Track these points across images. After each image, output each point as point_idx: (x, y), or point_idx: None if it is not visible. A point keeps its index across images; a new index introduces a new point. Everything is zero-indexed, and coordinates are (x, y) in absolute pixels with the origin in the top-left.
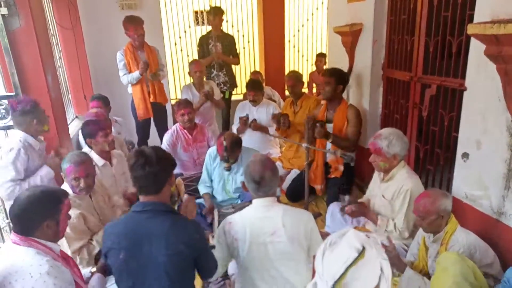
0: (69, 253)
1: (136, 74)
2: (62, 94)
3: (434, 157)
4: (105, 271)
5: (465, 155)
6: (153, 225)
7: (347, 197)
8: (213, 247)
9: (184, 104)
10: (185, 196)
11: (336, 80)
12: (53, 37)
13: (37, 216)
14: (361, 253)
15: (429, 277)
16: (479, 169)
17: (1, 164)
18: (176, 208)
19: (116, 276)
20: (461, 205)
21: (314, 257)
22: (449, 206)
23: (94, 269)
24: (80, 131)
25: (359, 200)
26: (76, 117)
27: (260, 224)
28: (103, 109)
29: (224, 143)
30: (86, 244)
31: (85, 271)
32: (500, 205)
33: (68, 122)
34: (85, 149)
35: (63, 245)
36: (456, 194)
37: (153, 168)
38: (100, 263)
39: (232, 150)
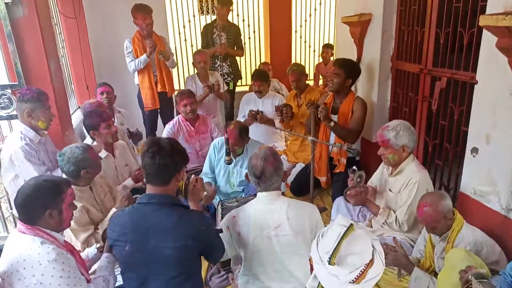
0: (78, 246)
1: (143, 57)
2: (65, 84)
3: (443, 151)
4: None
5: (475, 150)
6: (160, 218)
7: (358, 173)
8: (221, 231)
9: (187, 94)
10: (192, 176)
11: (345, 72)
12: (56, 27)
13: (39, 205)
14: (349, 227)
15: (436, 275)
16: (488, 165)
17: (18, 164)
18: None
19: (122, 268)
20: (469, 201)
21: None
22: (450, 205)
23: (99, 245)
24: (83, 123)
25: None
26: (79, 107)
27: (264, 217)
28: (112, 94)
29: (226, 135)
30: (92, 234)
31: (91, 249)
32: (508, 201)
33: (71, 113)
34: (88, 139)
35: (71, 239)
36: (464, 189)
37: (164, 160)
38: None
39: (240, 138)
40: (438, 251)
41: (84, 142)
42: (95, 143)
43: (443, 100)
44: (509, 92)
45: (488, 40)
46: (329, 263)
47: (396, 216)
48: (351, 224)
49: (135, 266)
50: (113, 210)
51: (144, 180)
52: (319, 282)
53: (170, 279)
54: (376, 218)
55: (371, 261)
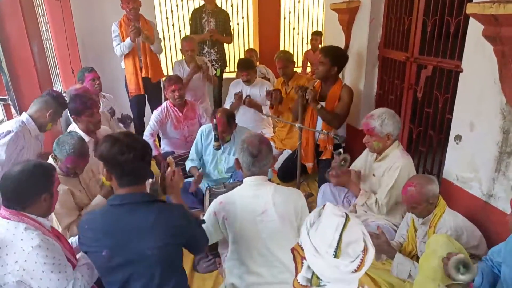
0: (60, 230)
1: (127, 41)
2: (49, 68)
3: (427, 138)
4: None
5: (458, 137)
6: (137, 219)
7: (343, 155)
8: (203, 221)
9: (174, 79)
10: (168, 170)
11: (331, 60)
12: (39, 8)
13: (34, 190)
14: (347, 217)
15: (418, 259)
16: (471, 152)
17: None
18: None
19: (101, 273)
20: (452, 187)
21: (293, 250)
22: (436, 191)
23: None
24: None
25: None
26: (64, 92)
27: (250, 203)
28: (98, 80)
29: (215, 121)
30: (76, 220)
31: (75, 239)
32: (490, 187)
33: None
34: (73, 125)
35: (53, 222)
36: (447, 176)
37: (136, 165)
38: None
39: (228, 124)
40: (420, 235)
41: (69, 127)
42: (77, 128)
43: (428, 88)
44: (494, 80)
45: (475, 29)
46: (334, 256)
47: (376, 198)
48: (347, 214)
49: (115, 270)
50: (99, 197)
51: (116, 184)
52: (313, 272)
53: (153, 278)
54: (357, 199)
55: (366, 248)
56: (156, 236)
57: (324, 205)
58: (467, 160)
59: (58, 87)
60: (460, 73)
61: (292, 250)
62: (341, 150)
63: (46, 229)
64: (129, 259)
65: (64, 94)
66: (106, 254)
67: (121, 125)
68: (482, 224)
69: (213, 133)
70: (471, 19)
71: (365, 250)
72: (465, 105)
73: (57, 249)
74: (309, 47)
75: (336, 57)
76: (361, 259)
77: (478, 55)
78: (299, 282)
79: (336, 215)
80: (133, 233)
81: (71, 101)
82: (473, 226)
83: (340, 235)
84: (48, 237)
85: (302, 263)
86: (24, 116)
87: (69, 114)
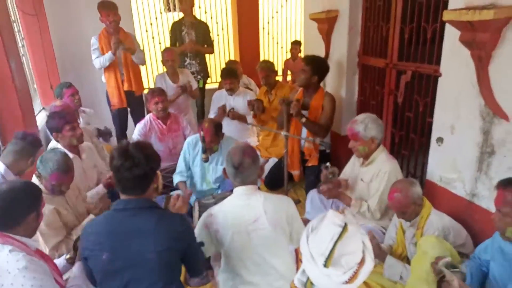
0: (46, 251)
1: (108, 54)
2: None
3: (409, 142)
4: None
5: (440, 140)
6: (139, 222)
7: (328, 164)
8: (202, 243)
9: (157, 92)
10: (173, 196)
11: (312, 69)
12: (14, 24)
13: (24, 209)
14: (344, 227)
15: (408, 260)
16: (453, 153)
17: None
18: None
19: (99, 278)
20: (436, 188)
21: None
22: (420, 192)
23: (68, 256)
24: (46, 124)
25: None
26: (43, 108)
27: (241, 213)
28: (78, 95)
29: (202, 133)
30: (64, 240)
31: (60, 260)
32: (473, 187)
33: (35, 114)
34: (53, 142)
35: (40, 243)
36: (431, 177)
37: (141, 170)
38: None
39: (216, 134)
40: (409, 237)
41: (49, 144)
42: (59, 145)
43: (408, 92)
44: (472, 84)
45: (451, 34)
46: (324, 266)
47: (368, 205)
48: (346, 224)
49: (115, 275)
50: (90, 216)
51: (119, 191)
52: (308, 277)
53: (152, 284)
54: (349, 209)
55: (363, 260)
56: (157, 240)
57: (328, 212)
58: (449, 161)
59: (37, 104)
60: (439, 78)
61: (296, 250)
62: (328, 164)
63: (31, 250)
64: (129, 263)
65: (43, 111)
66: (107, 258)
67: (101, 139)
68: (467, 222)
69: (200, 144)
70: (447, 25)
71: (361, 263)
72: (445, 108)
73: (45, 270)
74: (289, 56)
75: (317, 66)
76: (354, 271)
77: (455, 60)
78: (295, 284)
79: (334, 224)
80: (134, 236)
81: (49, 119)
82: (459, 225)
83: (334, 245)
84: (34, 257)
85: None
86: (2, 167)
87: (49, 132)
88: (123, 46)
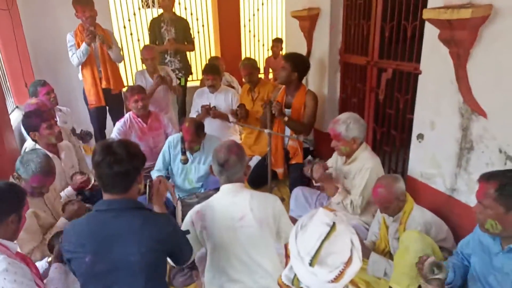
0: None
1: (83, 46)
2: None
3: (391, 138)
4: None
5: (420, 136)
6: (122, 224)
7: (314, 161)
8: (188, 232)
9: (137, 89)
10: (155, 179)
11: (291, 66)
12: None
13: (4, 209)
14: (332, 227)
15: (390, 255)
16: (433, 149)
17: None
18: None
19: (82, 281)
20: (417, 184)
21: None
22: (403, 187)
23: (50, 259)
24: (22, 123)
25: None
26: (17, 107)
27: (228, 210)
28: (53, 93)
29: (181, 134)
30: (38, 245)
31: (42, 263)
32: (452, 182)
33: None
34: (29, 142)
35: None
36: (411, 173)
37: (122, 167)
38: (56, 250)
39: (196, 134)
40: (392, 232)
41: (25, 144)
42: (37, 145)
43: (389, 90)
44: (451, 81)
45: (431, 32)
46: (310, 265)
47: (351, 199)
48: (334, 224)
49: (98, 278)
50: (62, 219)
51: (101, 189)
52: (295, 274)
53: (136, 287)
54: (334, 197)
55: (350, 259)
56: (141, 242)
57: (318, 210)
58: (430, 157)
59: (10, 103)
60: (419, 75)
61: (285, 245)
62: (310, 157)
63: (11, 253)
64: (112, 266)
65: (17, 109)
66: (89, 260)
67: (80, 141)
68: (447, 217)
69: (180, 146)
70: (427, 23)
71: (348, 262)
72: (425, 105)
73: (26, 273)
74: (270, 53)
75: (297, 63)
76: (340, 271)
77: (435, 57)
78: (282, 280)
79: (323, 223)
80: (117, 238)
81: (24, 118)
82: (440, 221)
83: (321, 245)
84: (16, 260)
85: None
86: None
87: (25, 132)
88: (99, 37)
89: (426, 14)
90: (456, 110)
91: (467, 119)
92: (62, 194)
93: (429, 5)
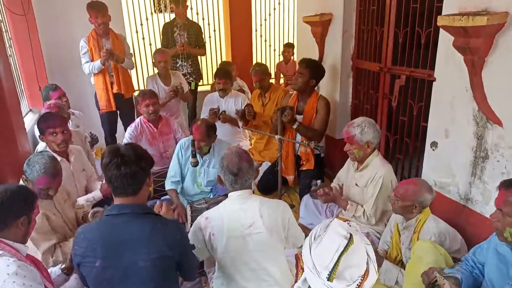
0: (38, 256)
1: (97, 63)
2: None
3: (404, 146)
4: None
5: (434, 144)
6: (133, 229)
7: (319, 181)
8: (194, 247)
9: (148, 94)
10: (156, 204)
11: (310, 73)
12: (1, 23)
13: (13, 211)
14: (350, 239)
15: (402, 264)
16: (447, 157)
17: None
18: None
19: (92, 286)
20: None
21: (297, 255)
22: (427, 201)
23: (64, 266)
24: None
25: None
26: (31, 110)
27: (237, 217)
28: (65, 97)
29: (191, 137)
30: (58, 244)
31: (55, 269)
32: (467, 191)
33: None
34: (41, 144)
35: (31, 249)
36: None
37: (130, 169)
38: (69, 256)
39: (207, 135)
40: (405, 241)
41: (37, 146)
42: (47, 147)
43: (402, 97)
44: (465, 88)
45: (445, 39)
46: (328, 279)
47: (364, 210)
48: (351, 236)
49: (108, 283)
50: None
51: (112, 193)
52: (309, 286)
53: None
54: (345, 212)
55: (367, 272)
56: (150, 248)
57: (333, 220)
58: (443, 165)
59: (24, 106)
60: (433, 82)
61: (296, 256)
62: (318, 181)
63: (21, 256)
64: (123, 271)
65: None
66: (100, 265)
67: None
68: (461, 227)
69: (191, 148)
70: (441, 30)
71: (365, 275)
72: (439, 113)
73: (35, 276)
74: (281, 58)
75: (316, 71)
76: (358, 284)
77: (449, 65)
78: None
79: (339, 235)
80: (127, 244)
81: (38, 120)
82: (455, 231)
83: (338, 259)
84: (26, 263)
85: (303, 271)
86: None
87: (36, 133)
88: (114, 58)
89: (440, 21)
90: (471, 118)
91: (482, 128)
92: (90, 196)
93: (444, 12)
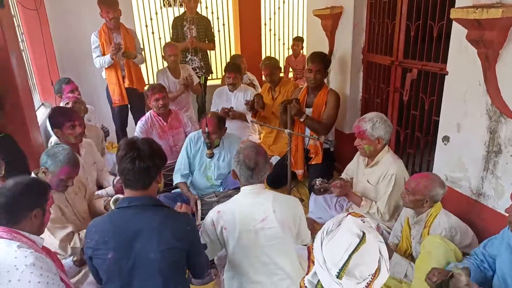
0: (56, 245)
1: (107, 58)
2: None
3: (415, 140)
4: None
5: (446, 138)
6: (143, 221)
7: (319, 179)
8: (205, 246)
9: (158, 88)
10: (177, 205)
11: (324, 66)
12: (14, 18)
13: (27, 204)
14: (362, 238)
15: (412, 258)
16: (459, 152)
17: None
18: None
19: (105, 278)
20: None
21: (309, 247)
22: (439, 196)
23: (75, 258)
24: (48, 119)
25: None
26: (43, 104)
27: (250, 211)
28: (78, 91)
29: (206, 129)
30: (74, 230)
31: (67, 261)
32: (479, 186)
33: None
34: (54, 137)
35: (46, 240)
36: None
37: (144, 163)
38: (81, 250)
39: (218, 127)
40: (416, 235)
41: (51, 139)
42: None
43: (414, 91)
44: (479, 82)
45: (458, 32)
46: (337, 277)
47: (378, 207)
48: (364, 234)
49: (119, 274)
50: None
51: (123, 185)
52: (319, 280)
53: (157, 284)
54: (359, 208)
55: (378, 270)
56: (160, 239)
57: (346, 216)
58: (455, 160)
59: (36, 100)
60: (446, 76)
61: (308, 248)
62: (320, 178)
63: (38, 247)
64: (134, 263)
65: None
66: (112, 257)
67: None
68: (472, 222)
69: (201, 141)
70: (454, 23)
71: (376, 273)
72: (451, 106)
73: (51, 268)
74: (290, 52)
75: (327, 62)
76: (368, 283)
77: (462, 58)
78: (305, 284)
79: (352, 233)
80: (138, 235)
81: (51, 114)
82: (466, 226)
83: (349, 257)
84: (42, 254)
85: (314, 264)
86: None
87: (50, 128)
88: (125, 54)
89: (453, 14)
90: (484, 112)
91: (495, 122)
92: (103, 191)
93: (457, 4)
